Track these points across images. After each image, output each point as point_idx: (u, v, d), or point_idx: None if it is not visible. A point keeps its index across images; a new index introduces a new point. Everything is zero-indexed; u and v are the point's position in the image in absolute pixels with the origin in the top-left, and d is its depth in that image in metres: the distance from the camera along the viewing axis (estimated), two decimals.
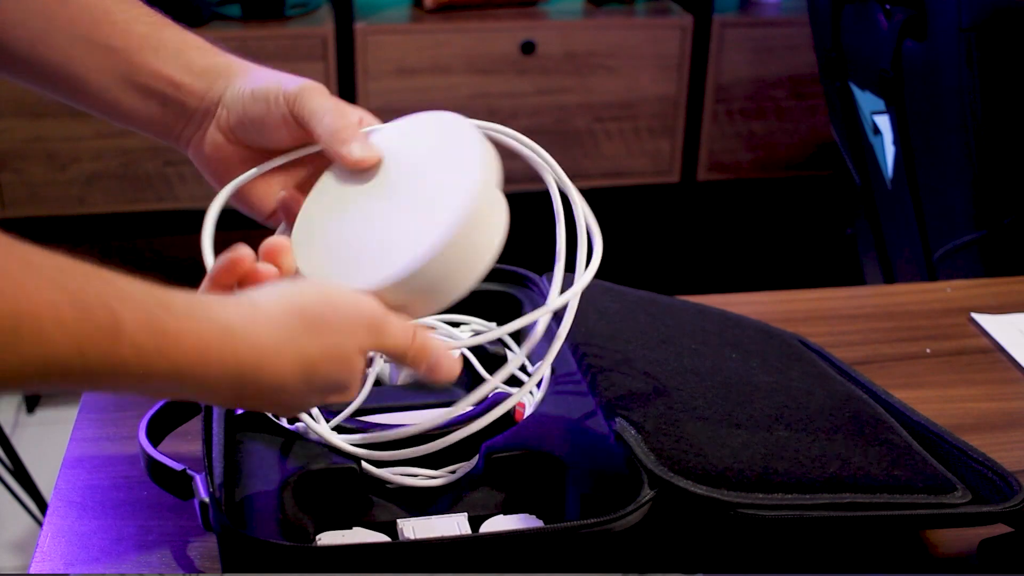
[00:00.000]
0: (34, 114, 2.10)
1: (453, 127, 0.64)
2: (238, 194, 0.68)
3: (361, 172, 0.64)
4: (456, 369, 0.60)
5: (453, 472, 0.69)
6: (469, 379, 0.79)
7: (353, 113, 0.65)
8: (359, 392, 0.67)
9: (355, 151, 0.63)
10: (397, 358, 0.59)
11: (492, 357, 0.80)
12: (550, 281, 0.85)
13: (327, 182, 0.65)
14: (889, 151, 1.60)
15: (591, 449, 0.68)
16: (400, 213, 0.61)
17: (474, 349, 0.80)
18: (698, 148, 2.37)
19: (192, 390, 0.52)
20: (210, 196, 0.66)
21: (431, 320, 0.84)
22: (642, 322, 0.81)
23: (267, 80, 0.66)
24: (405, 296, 0.59)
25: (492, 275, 0.87)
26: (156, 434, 0.70)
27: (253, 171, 0.67)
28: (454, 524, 0.66)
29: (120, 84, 0.67)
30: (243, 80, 0.67)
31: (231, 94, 0.66)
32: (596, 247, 0.67)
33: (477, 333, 0.82)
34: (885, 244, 1.73)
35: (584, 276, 0.66)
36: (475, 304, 0.85)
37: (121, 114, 0.68)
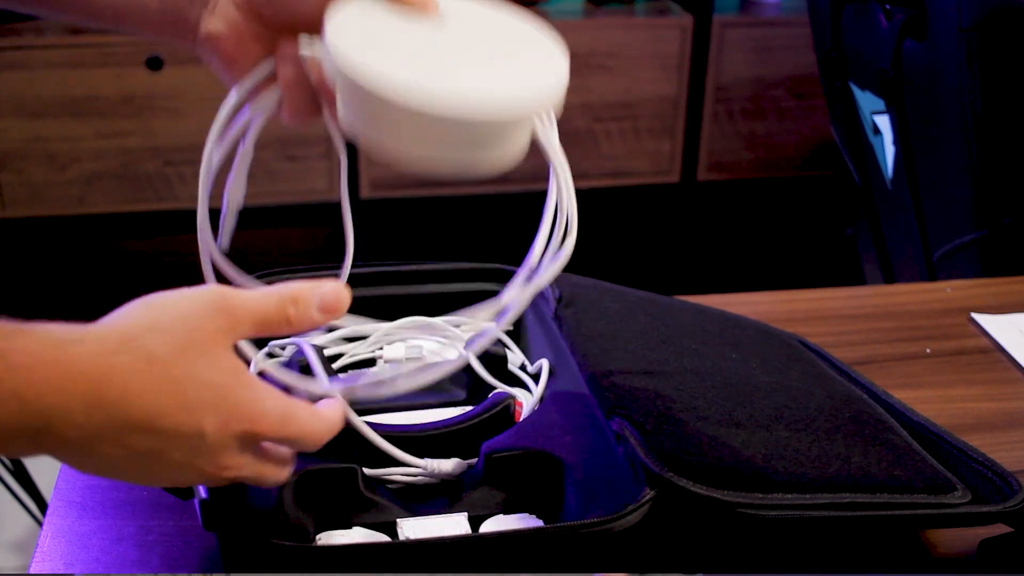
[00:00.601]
0: (34, 114, 2.10)
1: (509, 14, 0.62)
2: (226, 60, 0.62)
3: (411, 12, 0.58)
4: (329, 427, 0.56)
5: (452, 470, 0.69)
6: (470, 379, 0.79)
7: None
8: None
9: None
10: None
11: (492, 358, 0.80)
12: (552, 283, 0.85)
13: (353, 18, 0.58)
14: (889, 151, 1.60)
15: (591, 449, 0.68)
16: (489, 54, 0.58)
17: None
18: (698, 148, 2.38)
19: (37, 417, 0.46)
20: (212, 196, 0.65)
21: (430, 319, 0.84)
22: (642, 322, 0.81)
23: None
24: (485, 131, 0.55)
25: (492, 275, 0.87)
26: None
27: (265, 67, 0.62)
28: (454, 524, 0.66)
29: None
30: None
31: None
32: (572, 227, 0.62)
33: (478, 334, 0.82)
34: (885, 244, 1.73)
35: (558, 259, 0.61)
36: (475, 304, 0.85)
37: (115, 11, 0.62)
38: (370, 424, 0.70)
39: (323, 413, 0.56)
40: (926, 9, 1.41)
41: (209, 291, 0.53)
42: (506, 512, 0.67)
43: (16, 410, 0.46)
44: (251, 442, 0.53)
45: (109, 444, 0.49)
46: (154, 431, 0.49)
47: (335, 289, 0.55)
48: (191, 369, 0.50)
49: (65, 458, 0.50)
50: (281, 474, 0.57)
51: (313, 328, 0.55)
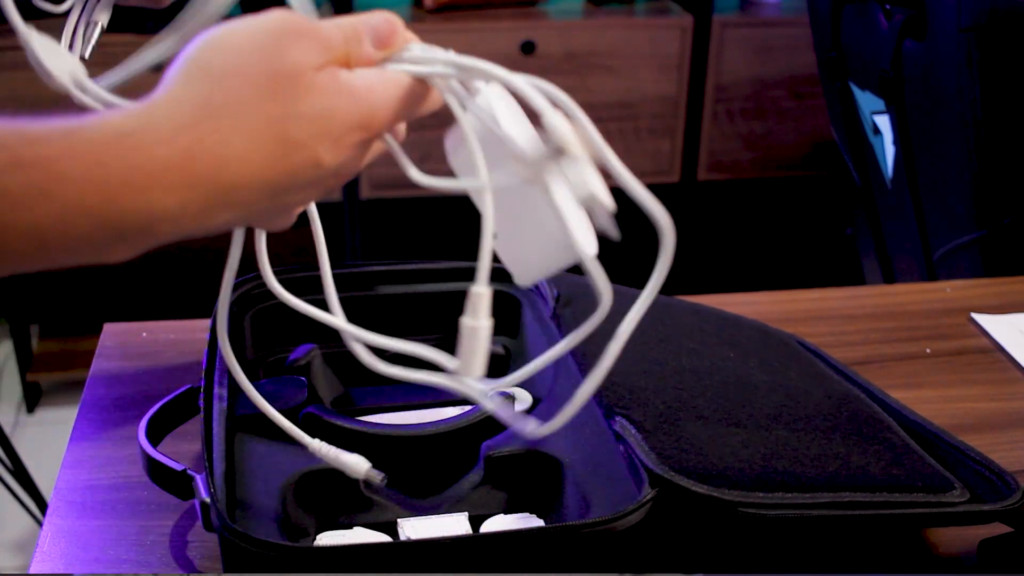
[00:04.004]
0: (34, 113, 2.10)
1: None
2: None
3: None
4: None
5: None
6: None
7: None
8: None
9: None
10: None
11: (492, 357, 0.80)
12: (550, 281, 0.85)
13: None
14: (889, 151, 1.60)
15: (591, 449, 0.68)
16: None
17: None
18: (698, 148, 2.37)
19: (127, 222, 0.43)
20: None
21: None
22: (641, 322, 0.81)
23: None
24: None
25: (492, 275, 0.87)
26: (156, 434, 0.70)
27: None
28: (454, 524, 0.66)
29: None
30: None
31: None
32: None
33: None
34: (885, 244, 1.73)
35: None
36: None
37: None
38: (370, 424, 0.70)
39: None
40: (926, 9, 1.41)
41: (272, 19, 0.47)
42: (507, 512, 0.67)
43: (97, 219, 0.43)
44: (369, 141, 0.50)
45: (219, 217, 0.46)
46: (264, 189, 0.46)
47: (386, 19, 0.51)
48: (286, 107, 0.46)
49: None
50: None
51: (370, 65, 0.50)
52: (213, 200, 0.45)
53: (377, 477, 0.64)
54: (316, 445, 0.65)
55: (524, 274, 0.56)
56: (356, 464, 0.64)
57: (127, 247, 0.45)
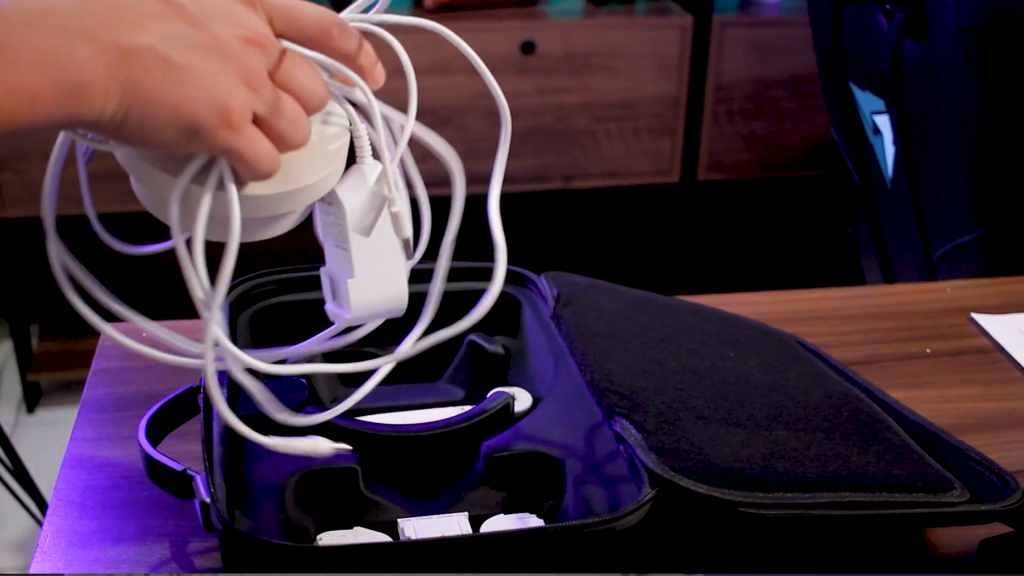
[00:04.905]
0: None
1: None
2: None
3: None
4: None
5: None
6: (468, 378, 0.79)
7: None
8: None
9: None
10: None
11: (491, 356, 0.80)
12: (550, 281, 0.85)
13: None
14: (889, 151, 1.60)
15: (591, 449, 0.68)
16: None
17: (474, 352, 0.79)
18: (698, 148, 2.38)
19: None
20: None
21: None
22: (641, 322, 0.81)
23: None
24: None
25: (491, 275, 0.87)
26: (156, 434, 0.70)
27: None
28: (455, 524, 0.66)
29: None
30: None
31: None
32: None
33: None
34: (885, 244, 1.73)
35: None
36: (473, 304, 0.85)
37: None
38: (370, 424, 0.70)
39: None
40: (926, 9, 1.41)
41: None
42: (506, 512, 0.67)
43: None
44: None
45: (128, 30, 0.49)
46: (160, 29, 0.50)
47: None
48: None
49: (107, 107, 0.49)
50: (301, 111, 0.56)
51: None
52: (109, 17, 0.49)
53: (346, 448, 0.64)
54: (270, 441, 0.60)
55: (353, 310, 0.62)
56: (316, 446, 0.62)
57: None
